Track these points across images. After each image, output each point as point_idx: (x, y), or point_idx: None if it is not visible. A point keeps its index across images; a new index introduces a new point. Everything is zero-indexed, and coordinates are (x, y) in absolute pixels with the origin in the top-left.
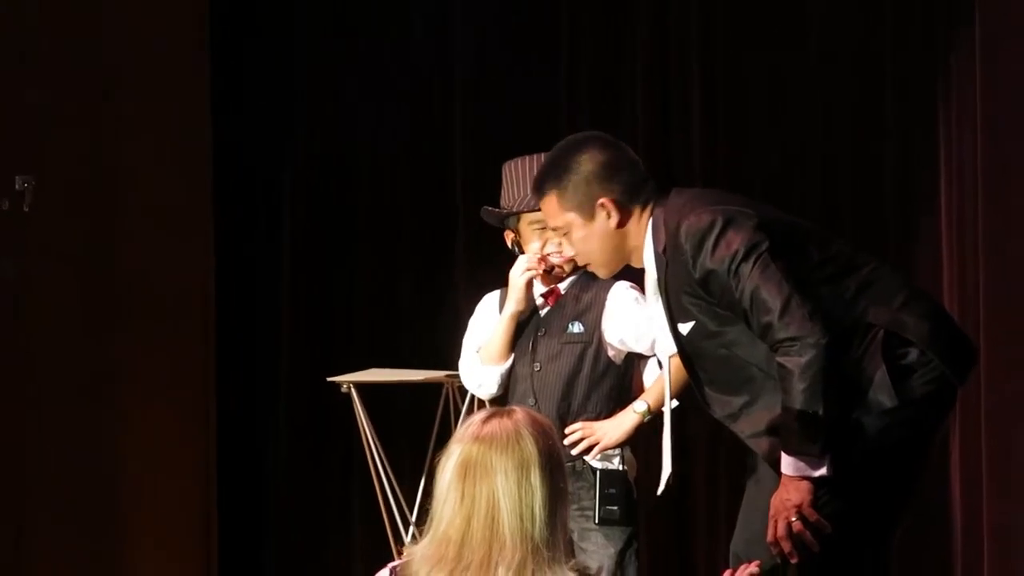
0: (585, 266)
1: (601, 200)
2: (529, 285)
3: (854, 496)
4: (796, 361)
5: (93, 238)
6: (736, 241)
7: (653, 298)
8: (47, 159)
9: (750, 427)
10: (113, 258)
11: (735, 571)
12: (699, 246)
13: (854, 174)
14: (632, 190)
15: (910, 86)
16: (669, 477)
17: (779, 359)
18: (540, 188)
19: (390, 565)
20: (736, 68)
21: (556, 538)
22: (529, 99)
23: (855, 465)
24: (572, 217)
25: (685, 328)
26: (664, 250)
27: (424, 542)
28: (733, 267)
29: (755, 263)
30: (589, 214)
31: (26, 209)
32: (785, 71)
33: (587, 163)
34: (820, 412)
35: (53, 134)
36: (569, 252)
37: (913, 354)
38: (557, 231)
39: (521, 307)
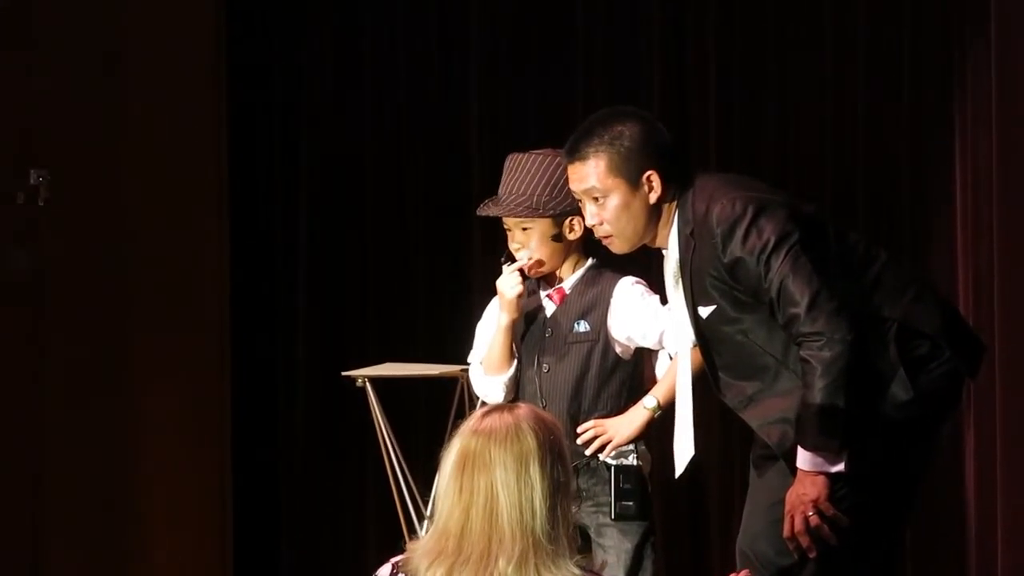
0: (554, 275)
1: (649, 172)
2: (520, 295)
3: (870, 490)
4: (820, 357)
5: (107, 231)
6: (768, 230)
7: (672, 281)
8: (61, 152)
9: (760, 415)
10: (128, 251)
11: None
12: (730, 232)
13: (868, 172)
14: (671, 169)
15: (925, 81)
16: (691, 460)
17: (803, 354)
18: (585, 149)
19: (392, 560)
20: (751, 63)
21: (558, 532)
22: (545, 91)
23: (871, 458)
24: (617, 184)
25: (705, 311)
26: (691, 232)
27: (426, 537)
28: (764, 257)
29: (786, 254)
30: (635, 184)
31: (41, 203)
32: (800, 68)
33: (638, 134)
34: (840, 408)
35: (65, 127)
36: (532, 256)
37: (925, 347)
38: (588, 194)
39: (515, 316)
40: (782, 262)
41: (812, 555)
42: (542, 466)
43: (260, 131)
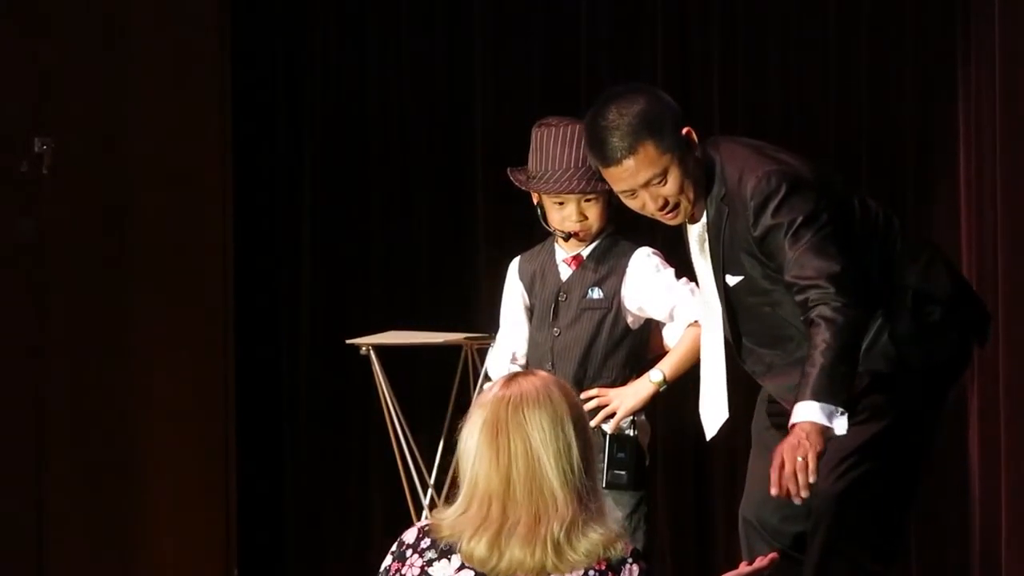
0: (600, 234)
1: (686, 128)
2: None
3: (881, 456)
4: (836, 319)
5: (111, 199)
6: (799, 208)
7: (696, 246)
8: (64, 121)
9: (779, 382)
10: (131, 219)
11: (751, 563)
12: (763, 206)
13: (871, 133)
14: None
15: (929, 42)
16: (724, 423)
17: (819, 312)
18: (624, 145)
19: (418, 524)
20: (755, 26)
21: (597, 490)
22: (549, 56)
23: (887, 424)
24: (670, 157)
25: (733, 280)
26: (724, 198)
27: (456, 507)
28: (791, 231)
29: (814, 232)
30: (681, 148)
31: (45, 171)
32: (803, 34)
33: (654, 103)
34: (847, 372)
35: (69, 95)
36: (586, 224)
37: (938, 313)
38: (647, 183)
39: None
40: (809, 238)
41: (799, 501)
42: (575, 425)
43: (264, 101)
